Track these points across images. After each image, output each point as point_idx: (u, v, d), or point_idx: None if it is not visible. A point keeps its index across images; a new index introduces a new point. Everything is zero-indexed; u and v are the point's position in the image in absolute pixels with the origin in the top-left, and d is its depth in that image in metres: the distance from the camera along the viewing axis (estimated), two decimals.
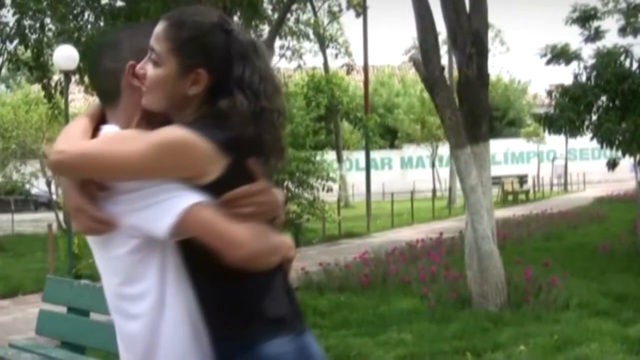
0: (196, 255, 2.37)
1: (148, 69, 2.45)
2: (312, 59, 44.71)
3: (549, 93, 15.67)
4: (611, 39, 22.26)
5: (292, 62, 39.11)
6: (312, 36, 35.25)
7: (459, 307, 10.62)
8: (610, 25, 25.37)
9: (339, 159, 40.98)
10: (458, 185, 35.12)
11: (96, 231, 2.41)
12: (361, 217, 27.95)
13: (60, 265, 15.51)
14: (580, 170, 53.37)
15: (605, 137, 14.52)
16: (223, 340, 2.42)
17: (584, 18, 21.91)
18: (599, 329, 9.14)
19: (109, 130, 2.44)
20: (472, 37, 10.52)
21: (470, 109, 10.66)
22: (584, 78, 15.48)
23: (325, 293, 12.08)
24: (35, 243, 20.88)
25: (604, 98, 15.38)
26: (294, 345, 2.44)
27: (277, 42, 34.59)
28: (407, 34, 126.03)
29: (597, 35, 22.80)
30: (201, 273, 2.41)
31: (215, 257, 2.31)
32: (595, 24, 21.53)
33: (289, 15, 29.51)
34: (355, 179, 42.49)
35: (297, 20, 31.85)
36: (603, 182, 49.57)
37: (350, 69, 36.59)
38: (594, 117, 15.39)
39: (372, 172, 40.81)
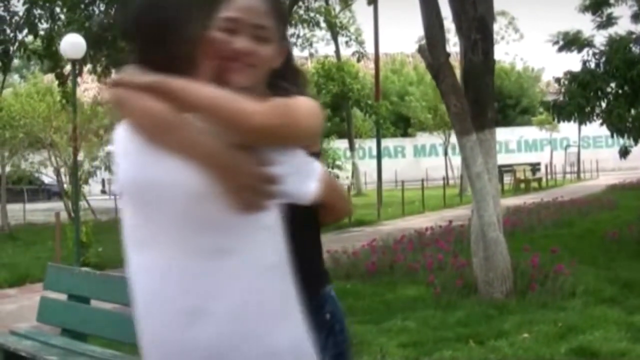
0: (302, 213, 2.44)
1: (255, 47, 2.41)
2: (324, 48, 44.61)
3: (558, 80, 15.58)
4: (624, 25, 22.07)
5: (304, 51, 39.06)
6: (322, 24, 35.10)
7: (465, 295, 10.58)
8: (624, 11, 25.12)
9: (351, 147, 40.97)
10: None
11: (264, 193, 2.23)
12: (372, 205, 27.94)
13: (68, 253, 15.52)
14: (594, 158, 53.15)
15: (615, 124, 14.43)
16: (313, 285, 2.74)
17: (596, 4, 21.77)
18: (604, 316, 9.09)
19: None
20: (477, 23, 10.45)
21: (475, 95, 10.59)
22: (592, 65, 15.39)
23: (331, 280, 12.02)
24: (46, 232, 20.90)
25: (613, 84, 15.30)
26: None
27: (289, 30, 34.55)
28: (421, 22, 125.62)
29: (609, 22, 22.64)
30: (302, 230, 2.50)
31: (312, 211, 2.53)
32: (608, 10, 21.39)
33: (300, 2, 29.38)
34: (368, 167, 42.52)
35: (308, 8, 31.69)
36: (617, 169, 49.42)
37: (360, 56, 36.43)
38: (604, 104, 15.30)
39: (386, 160, 40.86)
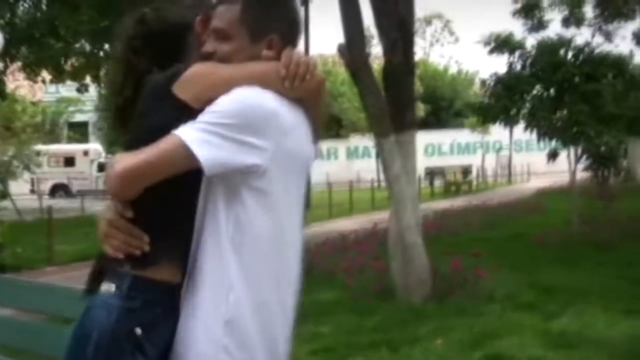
0: None
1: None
2: None
3: (483, 82, 15.49)
4: (555, 29, 22.23)
5: None
6: None
7: (383, 299, 10.38)
8: (555, 15, 25.37)
9: None
10: None
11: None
12: None
13: None
14: (526, 161, 53.50)
15: (539, 127, 14.38)
16: None
17: (528, 8, 21.93)
18: (521, 322, 8.97)
19: None
20: (397, 23, 10.24)
21: (395, 96, 10.38)
22: (518, 67, 15.33)
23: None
24: None
25: (538, 87, 15.25)
26: None
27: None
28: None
29: (540, 25, 22.81)
30: None
31: None
32: (539, 14, 21.54)
33: None
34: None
35: None
36: (548, 173, 49.66)
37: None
38: (528, 107, 15.24)
39: (319, 162, 40.53)
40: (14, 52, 22.19)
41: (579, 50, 14.87)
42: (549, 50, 14.76)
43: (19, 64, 24.67)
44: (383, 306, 10.02)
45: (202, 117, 2.46)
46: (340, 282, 11.48)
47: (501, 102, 14.41)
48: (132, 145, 2.53)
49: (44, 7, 23.65)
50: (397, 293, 10.41)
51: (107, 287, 2.57)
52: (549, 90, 14.99)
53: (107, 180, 2.54)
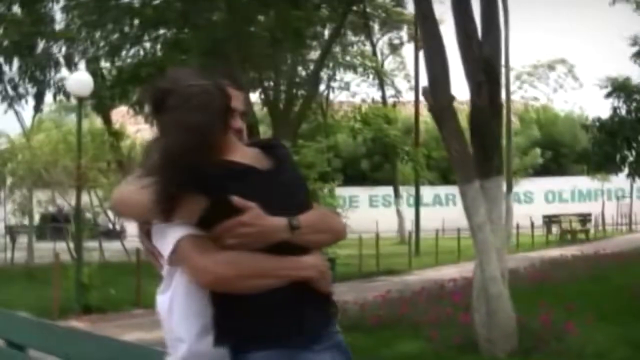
0: None
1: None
2: (375, 93, 44.21)
3: (585, 127, 14.87)
4: None
5: (342, 94, 38.93)
6: (360, 68, 34.74)
7: (465, 352, 9.93)
8: None
9: (396, 194, 40.37)
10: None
11: (152, 262, 2.96)
12: (411, 254, 27.31)
13: (71, 295, 15.14)
14: None
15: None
16: (219, 340, 2.73)
17: None
18: None
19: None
20: (482, 65, 9.87)
21: (480, 141, 9.99)
22: (624, 111, 14.67)
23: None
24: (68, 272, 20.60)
25: None
26: (279, 358, 2.68)
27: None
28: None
29: None
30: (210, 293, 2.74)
31: None
32: None
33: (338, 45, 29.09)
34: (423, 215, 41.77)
35: (344, 50, 31.33)
36: None
37: (396, 102, 35.89)
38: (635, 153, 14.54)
39: (437, 208, 39.86)
40: (119, 92, 22.60)
41: None
42: None
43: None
44: None
45: None
46: (425, 334, 11.05)
47: (602, 149, 13.76)
48: None
49: (158, 52, 24.10)
50: (480, 346, 9.94)
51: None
52: None
53: None
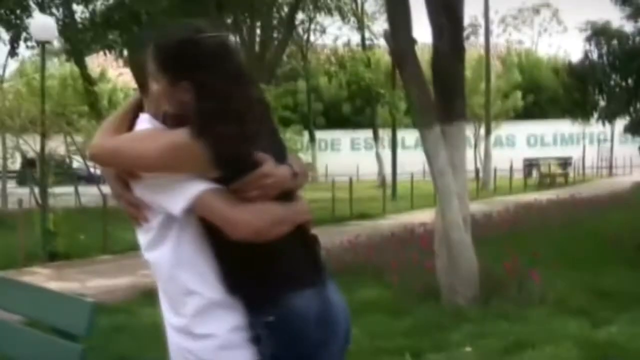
0: (216, 228, 2.72)
1: (151, 84, 2.80)
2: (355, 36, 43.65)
3: (555, 71, 14.64)
4: None
5: (327, 37, 38.45)
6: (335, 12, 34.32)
7: (425, 300, 9.82)
8: None
9: (375, 138, 40.26)
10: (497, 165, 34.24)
11: (134, 214, 2.86)
12: (387, 198, 27.23)
13: (37, 242, 14.99)
14: (630, 153, 51.61)
15: (609, 119, 13.49)
16: (249, 296, 2.80)
17: None
18: (565, 330, 8.32)
19: (140, 126, 2.87)
20: (443, 7, 9.63)
21: (442, 86, 9.79)
22: (595, 55, 14.43)
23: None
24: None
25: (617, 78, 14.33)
26: (314, 297, 2.84)
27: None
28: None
29: (638, 12, 21.70)
30: (222, 242, 2.74)
31: None
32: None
33: None
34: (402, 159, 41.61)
35: None
36: None
37: (370, 46, 35.48)
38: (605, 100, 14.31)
39: (419, 151, 39.72)
40: (91, 35, 22.29)
41: None
42: (622, 37, 13.80)
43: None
44: (423, 308, 9.47)
45: None
46: (388, 280, 10.95)
47: (572, 94, 13.54)
48: None
49: None
50: (442, 294, 9.84)
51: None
52: (627, 80, 14.05)
53: None
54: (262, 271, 2.80)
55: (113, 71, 53.02)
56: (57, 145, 23.77)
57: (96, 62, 45.36)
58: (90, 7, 25.00)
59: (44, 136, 16.51)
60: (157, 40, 2.77)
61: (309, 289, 2.84)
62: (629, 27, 16.32)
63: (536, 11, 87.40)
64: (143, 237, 2.90)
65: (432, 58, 9.97)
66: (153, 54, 2.74)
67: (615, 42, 14.43)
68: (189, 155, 2.66)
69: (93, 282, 12.58)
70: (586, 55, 14.34)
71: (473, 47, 55.55)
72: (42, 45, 15.06)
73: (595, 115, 14.31)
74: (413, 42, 9.76)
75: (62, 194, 26.27)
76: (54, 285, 11.55)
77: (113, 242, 15.68)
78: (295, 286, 2.81)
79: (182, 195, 2.69)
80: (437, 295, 9.90)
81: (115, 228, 15.65)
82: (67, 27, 25.18)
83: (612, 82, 14.19)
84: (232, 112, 2.68)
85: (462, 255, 9.71)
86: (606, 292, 10.23)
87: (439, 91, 9.80)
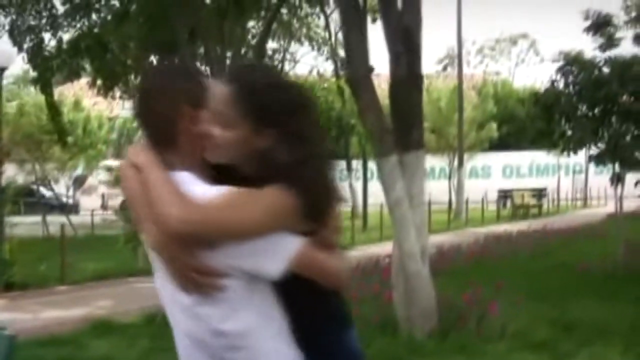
0: (295, 282, 2.58)
1: (215, 130, 2.57)
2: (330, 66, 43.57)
3: (521, 101, 14.52)
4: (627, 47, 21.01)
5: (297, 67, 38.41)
6: (303, 39, 34.23)
7: (383, 332, 9.59)
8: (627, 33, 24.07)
9: (349, 168, 40.04)
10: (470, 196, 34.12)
11: (201, 283, 2.51)
12: (358, 229, 27.02)
13: None
14: (604, 184, 51.57)
15: (574, 150, 13.33)
16: (320, 336, 2.73)
17: (597, 26, 20.68)
18: None
19: (202, 189, 2.51)
20: (401, 34, 9.45)
21: (400, 113, 9.60)
22: (561, 85, 14.29)
23: None
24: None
25: (584, 107, 14.20)
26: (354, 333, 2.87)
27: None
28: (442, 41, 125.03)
29: (610, 43, 21.58)
30: (300, 294, 2.64)
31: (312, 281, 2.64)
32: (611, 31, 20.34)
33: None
34: (375, 189, 41.38)
35: (294, 17, 30.57)
36: (630, 197, 47.86)
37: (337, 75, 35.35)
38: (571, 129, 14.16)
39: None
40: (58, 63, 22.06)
41: (626, 67, 13.79)
42: (590, 66, 13.67)
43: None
44: (380, 340, 9.23)
45: None
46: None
47: (536, 123, 13.40)
48: None
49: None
50: (400, 326, 9.61)
51: None
52: (594, 109, 13.91)
53: None
54: (326, 315, 2.77)
55: (88, 100, 52.71)
56: (15, 174, 23.58)
57: (72, 91, 44.95)
58: (58, 35, 24.74)
59: (1, 164, 16.26)
60: (243, 83, 2.59)
61: (353, 327, 2.88)
62: (600, 57, 16.26)
63: (514, 42, 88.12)
64: (205, 309, 2.56)
65: (389, 86, 9.79)
66: (235, 97, 2.55)
67: (583, 71, 14.30)
68: (288, 213, 2.52)
69: (46, 313, 12.32)
70: (552, 84, 14.20)
71: (450, 78, 55.71)
72: (0, 71, 14.85)
73: (561, 144, 14.15)
74: (369, 69, 9.60)
75: (30, 223, 26.13)
76: (6, 316, 11.34)
77: (73, 272, 15.42)
78: (348, 324, 2.85)
79: (280, 255, 2.54)
80: (395, 328, 9.67)
81: (76, 259, 15.39)
82: (35, 55, 24.93)
83: (578, 112, 14.04)
84: (319, 161, 2.63)
85: (419, 286, 9.51)
86: (570, 324, 10.05)
87: (397, 119, 9.62)
